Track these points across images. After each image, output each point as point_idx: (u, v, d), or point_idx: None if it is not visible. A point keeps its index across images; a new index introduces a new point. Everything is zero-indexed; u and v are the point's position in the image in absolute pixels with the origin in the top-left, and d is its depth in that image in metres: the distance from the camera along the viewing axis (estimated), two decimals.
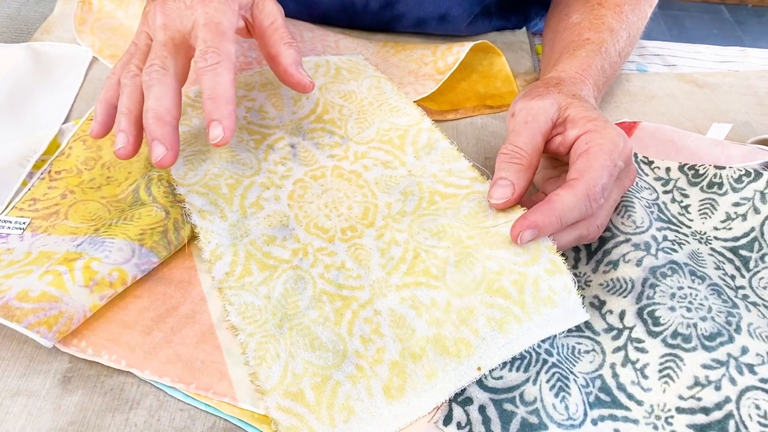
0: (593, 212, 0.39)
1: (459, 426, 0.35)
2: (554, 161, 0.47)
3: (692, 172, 0.51)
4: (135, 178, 0.46)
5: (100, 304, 0.38)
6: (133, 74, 0.43)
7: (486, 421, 0.35)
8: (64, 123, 0.51)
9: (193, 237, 0.43)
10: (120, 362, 0.37)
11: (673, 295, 0.40)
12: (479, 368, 0.36)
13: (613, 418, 0.36)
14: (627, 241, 0.43)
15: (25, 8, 0.65)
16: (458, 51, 0.57)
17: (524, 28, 0.68)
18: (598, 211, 0.40)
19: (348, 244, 0.43)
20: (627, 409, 0.37)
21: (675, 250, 0.44)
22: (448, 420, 0.35)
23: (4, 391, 0.35)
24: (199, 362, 0.37)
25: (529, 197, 0.46)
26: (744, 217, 0.47)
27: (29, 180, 0.46)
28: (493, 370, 0.36)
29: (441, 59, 0.58)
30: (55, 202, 0.44)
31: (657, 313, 0.40)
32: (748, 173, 0.48)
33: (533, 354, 0.37)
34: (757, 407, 0.35)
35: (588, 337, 0.40)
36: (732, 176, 0.48)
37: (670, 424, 0.36)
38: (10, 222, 0.42)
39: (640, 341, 0.39)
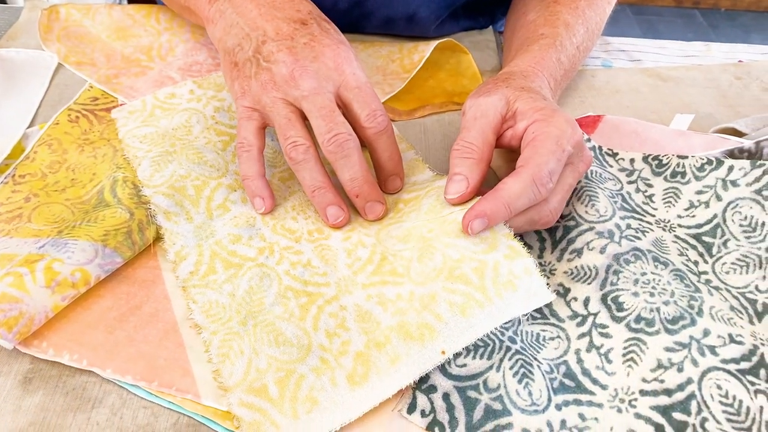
0: (543, 197, 0.39)
1: (423, 414, 0.35)
2: (512, 154, 0.47)
3: (656, 162, 0.51)
4: (100, 179, 0.46)
5: (62, 304, 0.37)
6: (305, 148, 0.42)
7: (450, 409, 0.35)
8: (28, 128, 0.51)
9: (158, 237, 0.43)
10: (81, 362, 0.36)
11: (636, 281, 0.41)
12: (443, 352, 0.36)
13: (578, 402, 0.36)
14: (591, 229, 0.44)
15: None
16: (423, 49, 0.57)
17: (490, 27, 0.69)
18: (550, 197, 0.40)
19: (314, 244, 0.43)
20: (591, 393, 0.37)
21: (638, 238, 0.44)
22: (412, 408, 0.35)
23: None
24: (162, 360, 0.37)
25: (490, 188, 0.46)
26: (707, 204, 0.47)
27: None
28: (456, 357, 0.36)
29: (407, 57, 0.58)
30: (18, 206, 0.44)
31: (621, 299, 0.40)
32: (710, 161, 0.48)
33: (496, 341, 0.37)
34: (719, 387, 0.36)
35: (553, 324, 0.41)
36: (695, 165, 0.49)
37: (634, 406, 0.36)
38: None
39: (604, 327, 0.40)
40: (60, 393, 0.35)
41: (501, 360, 0.37)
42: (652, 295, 0.40)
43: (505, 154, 0.49)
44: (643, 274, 0.41)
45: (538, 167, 0.38)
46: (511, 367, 0.36)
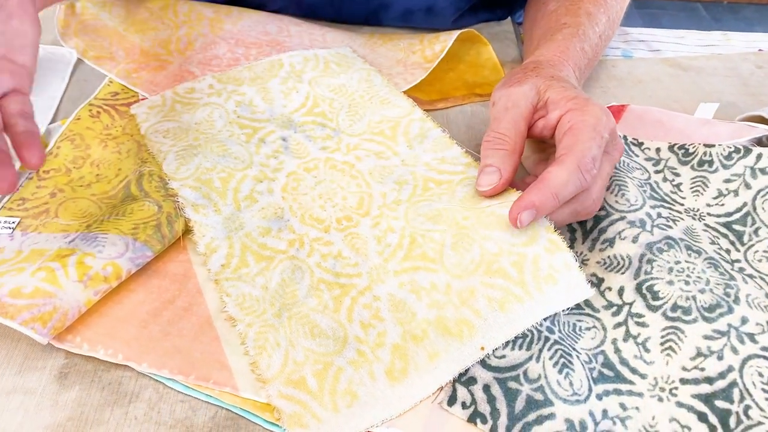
0: (588, 184, 0.39)
1: (464, 406, 0.35)
2: (541, 145, 0.47)
3: (682, 151, 0.51)
4: (125, 174, 0.45)
5: (94, 299, 0.37)
6: None
7: (491, 400, 0.35)
8: (50, 123, 0.51)
9: (187, 230, 0.42)
10: (117, 356, 0.36)
11: (670, 270, 0.40)
12: (482, 348, 0.35)
13: (618, 392, 0.36)
14: (622, 218, 0.43)
15: None
16: (445, 39, 0.57)
17: (509, 18, 0.68)
18: (591, 186, 0.40)
19: (344, 233, 0.43)
20: (631, 383, 0.37)
21: (670, 227, 0.44)
22: (452, 400, 0.35)
23: None
24: (198, 353, 0.36)
25: (522, 180, 0.46)
26: (736, 192, 0.47)
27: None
28: (495, 348, 0.36)
29: (428, 48, 0.58)
30: (44, 201, 0.43)
31: (656, 288, 0.40)
32: (737, 150, 0.48)
33: (535, 332, 0.37)
34: (761, 374, 0.35)
35: (588, 315, 0.40)
36: (722, 153, 0.49)
37: (675, 395, 0.36)
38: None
39: (640, 316, 0.39)
40: (96, 388, 0.35)
41: (540, 350, 0.36)
42: (687, 283, 0.40)
43: (533, 145, 0.49)
44: (677, 262, 0.41)
45: (582, 153, 0.38)
46: (551, 357, 0.36)
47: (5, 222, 0.42)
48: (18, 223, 0.42)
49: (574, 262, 0.38)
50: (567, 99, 0.41)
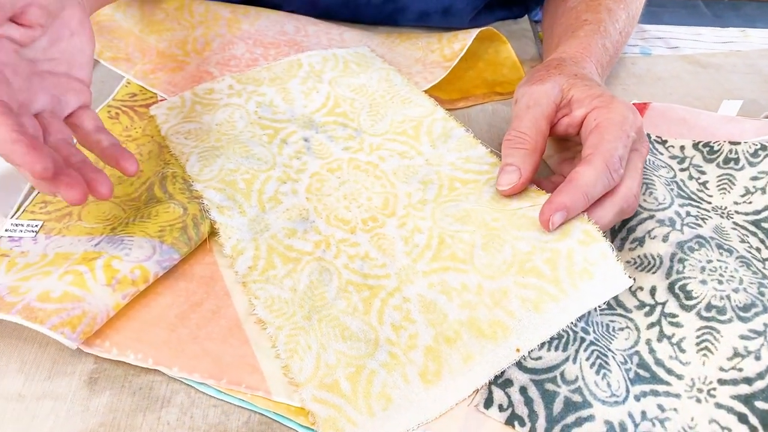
0: (615, 183, 0.38)
1: (501, 408, 0.34)
2: (565, 143, 0.47)
3: (707, 149, 0.50)
4: (148, 176, 0.45)
5: (122, 303, 0.36)
6: None
7: (528, 402, 0.34)
8: None
9: (213, 233, 0.42)
10: (147, 360, 0.35)
11: (702, 269, 0.40)
12: (518, 349, 0.35)
13: (655, 393, 0.36)
14: (651, 217, 0.43)
15: None
16: (464, 38, 0.57)
17: (526, 17, 0.68)
18: (630, 182, 0.39)
19: (370, 234, 0.42)
20: (667, 384, 0.36)
21: (699, 225, 0.43)
22: (488, 403, 0.34)
23: (29, 395, 0.34)
24: (228, 357, 0.36)
25: (547, 179, 0.45)
26: (763, 190, 0.46)
27: None
28: (531, 350, 0.36)
29: (447, 46, 0.57)
30: (66, 204, 0.43)
31: (689, 287, 0.39)
32: (764, 147, 0.48)
33: (570, 333, 0.36)
34: None
35: (620, 315, 0.40)
36: (748, 151, 0.48)
37: (713, 396, 0.35)
38: (22, 225, 0.41)
39: (674, 316, 0.39)
40: (127, 393, 0.34)
41: (577, 351, 0.36)
42: (720, 282, 0.39)
43: (557, 143, 0.48)
44: (709, 261, 0.40)
45: (609, 153, 0.37)
46: (588, 359, 0.36)
47: (28, 225, 0.41)
48: (41, 227, 0.41)
49: (611, 251, 0.37)
50: (592, 97, 0.41)
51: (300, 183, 0.45)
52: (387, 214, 0.43)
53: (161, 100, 0.53)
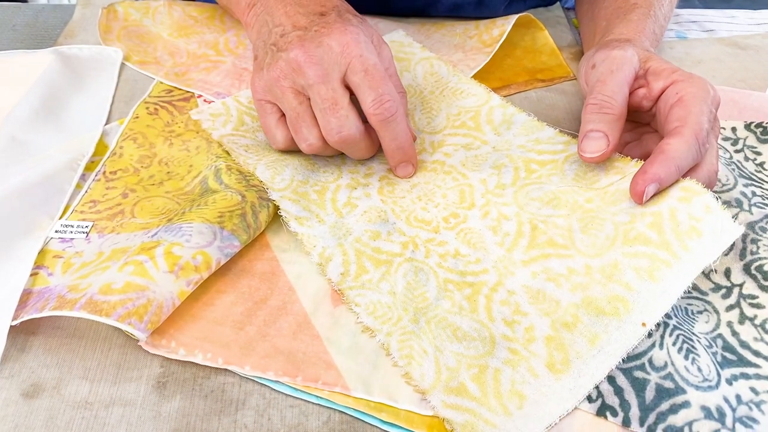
0: (701, 157, 0.37)
1: (590, 399, 0.33)
2: (631, 124, 0.45)
3: (760, 129, 0.49)
4: (199, 170, 0.43)
5: (187, 290, 0.35)
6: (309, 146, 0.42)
7: (618, 392, 0.33)
8: (106, 124, 0.48)
9: (269, 227, 0.40)
10: (216, 360, 0.34)
11: None
12: (644, 324, 0.33)
13: (746, 376, 0.34)
14: (717, 199, 0.42)
15: (42, 15, 0.62)
16: (503, 24, 0.55)
17: (558, 4, 0.67)
18: (710, 158, 0.38)
19: (455, 231, 0.40)
20: (756, 366, 0.35)
21: (767, 205, 0.42)
22: None
23: (96, 402, 0.32)
24: (301, 353, 0.34)
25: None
26: None
27: (83, 183, 0.43)
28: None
29: (486, 32, 0.56)
30: (117, 202, 0.41)
31: (765, 268, 0.38)
32: None
33: None
34: None
35: (696, 298, 0.38)
36: None
37: None
38: (72, 226, 0.39)
39: (753, 297, 0.38)
40: (198, 396, 0.33)
41: (662, 337, 0.34)
42: None
43: None
44: None
45: (699, 125, 0.36)
46: (674, 343, 0.34)
47: (78, 226, 0.40)
48: (92, 226, 0.40)
49: (716, 202, 0.35)
50: (671, 70, 0.40)
51: (371, 187, 0.43)
52: (466, 207, 0.42)
53: (198, 97, 0.51)
